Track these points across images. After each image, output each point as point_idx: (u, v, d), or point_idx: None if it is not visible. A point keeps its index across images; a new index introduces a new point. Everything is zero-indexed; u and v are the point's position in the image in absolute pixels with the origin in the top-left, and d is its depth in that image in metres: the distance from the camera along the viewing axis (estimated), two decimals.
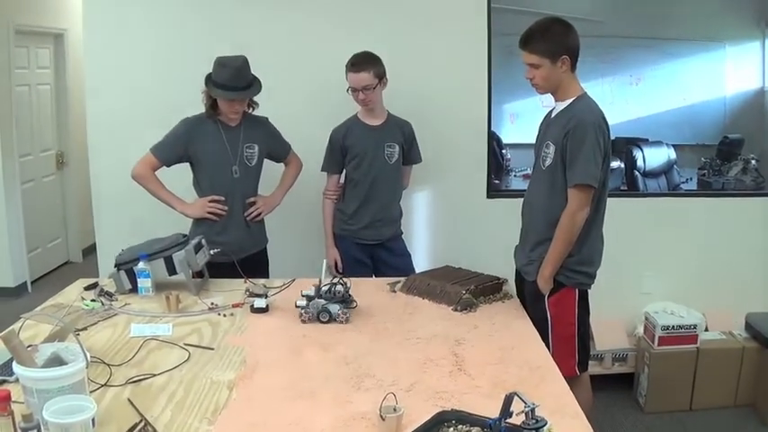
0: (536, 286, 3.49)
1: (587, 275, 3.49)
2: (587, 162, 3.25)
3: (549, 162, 3.42)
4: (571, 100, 3.40)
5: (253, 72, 4.01)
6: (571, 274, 3.44)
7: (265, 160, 4.29)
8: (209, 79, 3.96)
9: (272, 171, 4.40)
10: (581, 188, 3.28)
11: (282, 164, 4.46)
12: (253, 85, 4.01)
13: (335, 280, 3.28)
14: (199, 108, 4.08)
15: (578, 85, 3.43)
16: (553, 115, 3.52)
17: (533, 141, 3.70)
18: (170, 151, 4.04)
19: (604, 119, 3.35)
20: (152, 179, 4.07)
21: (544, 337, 3.25)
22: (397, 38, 4.74)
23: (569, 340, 3.49)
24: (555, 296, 3.47)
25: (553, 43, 3.30)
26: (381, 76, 4.22)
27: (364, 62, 4.16)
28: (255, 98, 4.13)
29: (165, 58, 4.77)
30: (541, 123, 3.69)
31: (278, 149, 4.36)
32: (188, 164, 4.14)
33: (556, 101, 3.49)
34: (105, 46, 4.76)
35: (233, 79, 3.90)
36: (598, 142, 3.26)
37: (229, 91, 3.92)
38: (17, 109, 7.12)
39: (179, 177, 4.18)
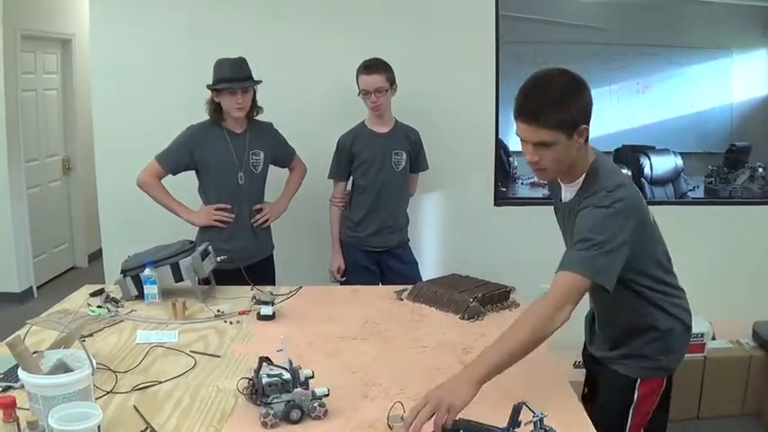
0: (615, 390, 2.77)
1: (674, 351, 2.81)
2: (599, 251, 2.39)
3: None
4: (581, 178, 2.57)
5: (260, 78, 4.02)
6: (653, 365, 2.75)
7: (270, 166, 4.29)
8: (210, 85, 3.98)
9: (276, 176, 4.40)
10: (574, 276, 2.39)
11: (287, 169, 4.46)
12: (253, 78, 4.04)
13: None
14: (205, 114, 4.08)
15: (589, 153, 2.57)
16: (564, 202, 2.71)
17: None
18: (175, 159, 4.04)
19: (633, 192, 2.54)
20: (157, 187, 4.06)
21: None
22: (404, 45, 4.74)
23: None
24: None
25: (571, 111, 2.40)
26: (392, 82, 4.25)
27: (377, 65, 4.20)
28: (260, 103, 4.14)
29: (171, 64, 4.79)
30: (557, 215, 2.83)
31: (283, 155, 4.36)
32: (193, 171, 4.13)
33: (563, 183, 2.68)
34: (112, 52, 4.77)
35: (233, 71, 3.94)
36: (620, 227, 2.42)
37: (231, 82, 3.93)
38: (23, 114, 7.12)
39: (184, 184, 4.18)
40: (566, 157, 2.45)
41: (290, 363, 2.42)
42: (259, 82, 4.04)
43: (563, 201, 2.70)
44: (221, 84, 3.93)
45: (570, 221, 2.59)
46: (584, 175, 2.54)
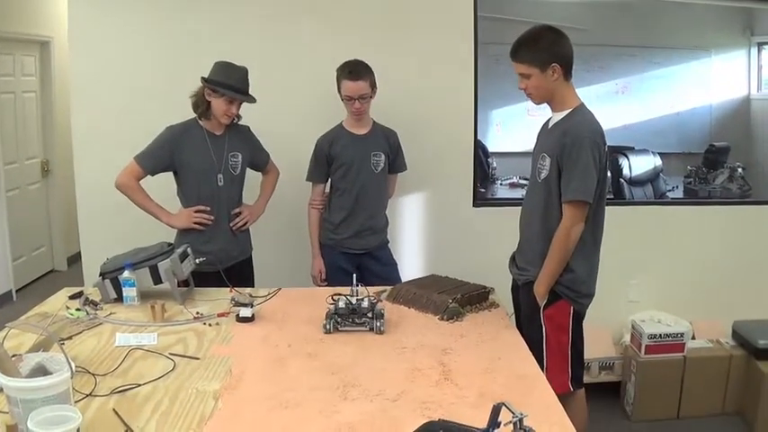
0: (532, 298, 3.44)
1: (581, 294, 3.44)
2: (582, 178, 3.20)
3: (544, 174, 3.36)
4: (567, 111, 3.35)
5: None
6: (566, 290, 3.39)
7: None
8: (210, 81, 3.94)
9: (249, 179, 4.39)
10: (576, 204, 3.24)
11: (261, 172, 4.46)
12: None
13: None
14: (184, 116, 4.07)
15: (575, 96, 3.38)
16: (550, 125, 3.47)
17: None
18: (155, 159, 4.01)
19: (601, 133, 3.30)
20: (136, 189, 4.03)
21: (539, 351, 3.32)
22: (383, 47, 4.73)
23: (563, 354, 3.44)
24: (550, 308, 3.41)
25: (542, 52, 3.25)
26: (374, 85, 4.21)
27: (361, 70, 4.14)
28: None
29: (150, 66, 4.75)
30: (539, 133, 3.61)
31: (259, 159, 4.36)
32: (171, 173, 4.11)
33: (553, 111, 3.44)
34: (91, 54, 4.74)
35: (239, 82, 3.96)
36: (593, 157, 3.21)
37: (238, 93, 3.94)
38: (2, 116, 7.09)
39: (163, 186, 4.16)
40: (543, 87, 3.32)
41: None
42: (254, 101, 4.04)
43: (547, 126, 3.51)
44: (227, 89, 3.92)
45: (543, 138, 3.52)
46: (568, 111, 3.35)
